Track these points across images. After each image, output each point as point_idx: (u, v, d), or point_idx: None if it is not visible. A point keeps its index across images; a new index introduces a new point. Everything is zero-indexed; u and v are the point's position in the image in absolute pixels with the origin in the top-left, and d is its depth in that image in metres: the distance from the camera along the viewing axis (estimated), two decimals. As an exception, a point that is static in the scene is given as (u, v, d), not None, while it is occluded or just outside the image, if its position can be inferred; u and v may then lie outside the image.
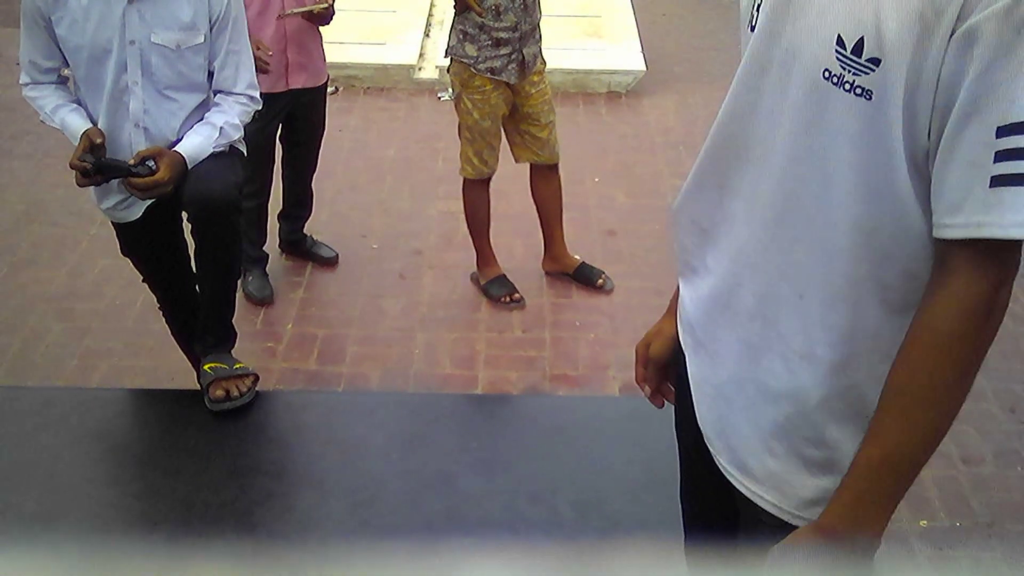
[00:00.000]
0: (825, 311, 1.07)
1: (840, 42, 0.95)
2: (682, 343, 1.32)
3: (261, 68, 3.01)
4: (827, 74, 0.97)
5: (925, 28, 0.89)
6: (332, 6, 3.15)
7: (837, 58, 0.96)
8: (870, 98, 0.94)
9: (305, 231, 3.74)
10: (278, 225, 3.68)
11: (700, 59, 5.57)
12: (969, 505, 2.67)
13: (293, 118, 3.34)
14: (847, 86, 0.95)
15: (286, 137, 3.43)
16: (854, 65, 0.95)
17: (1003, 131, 0.88)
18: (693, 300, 1.27)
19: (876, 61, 0.93)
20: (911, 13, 0.89)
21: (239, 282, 3.37)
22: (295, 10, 3.08)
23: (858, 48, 0.94)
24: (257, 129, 3.20)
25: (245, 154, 2.49)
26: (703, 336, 1.25)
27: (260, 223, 3.51)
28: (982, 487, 2.72)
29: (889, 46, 0.91)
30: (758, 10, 1.07)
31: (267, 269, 3.59)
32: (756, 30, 1.06)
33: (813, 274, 1.07)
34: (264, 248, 3.58)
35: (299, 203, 3.65)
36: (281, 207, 3.65)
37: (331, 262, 3.73)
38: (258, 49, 2.88)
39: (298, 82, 3.24)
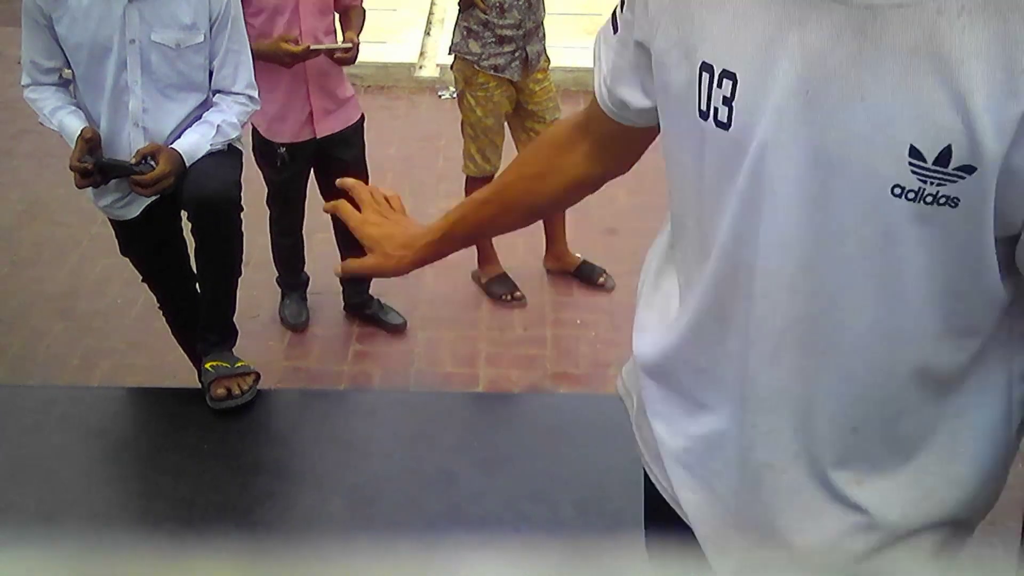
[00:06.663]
0: (887, 433, 0.96)
1: (915, 153, 0.81)
2: (668, 472, 1.15)
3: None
4: (898, 190, 0.83)
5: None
6: (357, 47, 2.89)
7: (912, 171, 0.82)
8: (956, 205, 0.82)
9: (372, 293, 3.44)
10: (341, 287, 3.44)
11: (701, 57, 5.56)
12: (971, 503, 2.66)
13: (325, 164, 3.05)
14: (928, 199, 0.83)
15: (321, 185, 3.15)
16: (938, 177, 0.82)
17: None
18: (690, 435, 1.11)
19: (969, 169, 0.80)
20: (1012, 113, 0.77)
21: (278, 305, 3.37)
22: (317, 46, 2.79)
23: (943, 158, 0.80)
24: (286, 180, 3.06)
25: (243, 152, 2.49)
26: (701, 471, 1.11)
27: (296, 254, 3.34)
28: (984, 485, 2.72)
29: (987, 151, 0.79)
30: (727, 105, 0.88)
31: (307, 293, 3.43)
32: (733, 130, 0.88)
33: (871, 400, 0.95)
34: (305, 271, 3.39)
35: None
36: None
37: (399, 329, 3.38)
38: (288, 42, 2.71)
39: (325, 129, 2.97)
